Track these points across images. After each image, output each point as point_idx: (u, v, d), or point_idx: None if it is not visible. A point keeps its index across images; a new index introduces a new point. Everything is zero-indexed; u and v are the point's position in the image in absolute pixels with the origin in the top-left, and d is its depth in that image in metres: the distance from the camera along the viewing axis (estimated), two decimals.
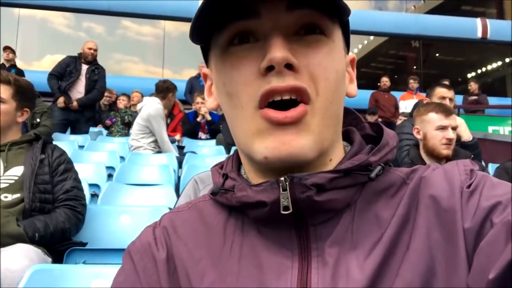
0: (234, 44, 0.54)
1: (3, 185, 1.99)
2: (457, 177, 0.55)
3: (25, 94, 2.25)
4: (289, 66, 0.51)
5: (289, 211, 0.52)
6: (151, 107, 4.48)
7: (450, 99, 3.14)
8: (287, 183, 0.53)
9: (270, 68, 0.51)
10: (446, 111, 2.41)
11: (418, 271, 0.49)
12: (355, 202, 0.56)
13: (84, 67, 5.83)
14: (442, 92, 3.16)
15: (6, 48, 6.89)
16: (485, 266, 0.45)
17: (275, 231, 0.56)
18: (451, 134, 2.36)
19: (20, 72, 6.59)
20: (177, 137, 5.79)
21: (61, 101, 5.67)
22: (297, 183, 0.52)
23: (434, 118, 2.40)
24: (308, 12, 0.52)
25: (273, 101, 0.52)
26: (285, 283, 0.52)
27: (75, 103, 5.77)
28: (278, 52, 0.50)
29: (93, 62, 5.88)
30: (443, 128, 2.38)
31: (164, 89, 4.69)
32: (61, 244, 2.05)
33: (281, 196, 0.53)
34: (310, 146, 0.52)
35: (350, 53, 0.64)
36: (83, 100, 5.83)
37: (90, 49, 5.83)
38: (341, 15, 0.56)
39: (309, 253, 0.54)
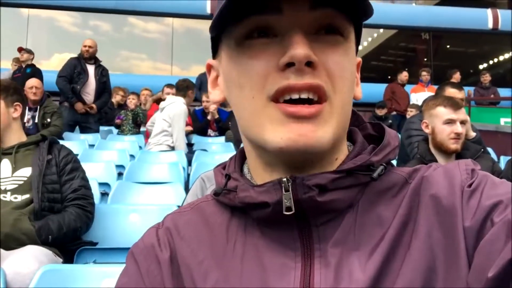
0: (251, 37, 0.53)
1: (12, 186, 2.03)
2: (458, 176, 0.54)
3: (9, 90, 2.26)
4: (309, 64, 0.50)
5: (292, 212, 0.53)
6: (178, 107, 4.68)
7: (461, 99, 3.10)
8: (290, 184, 0.53)
9: (289, 65, 0.51)
10: (454, 105, 2.38)
11: (419, 270, 0.50)
12: (358, 202, 0.56)
13: (90, 68, 5.88)
14: (452, 93, 3.12)
15: (20, 49, 6.94)
16: (484, 264, 0.45)
17: (278, 231, 0.56)
18: (459, 128, 2.33)
19: (37, 71, 6.59)
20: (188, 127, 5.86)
21: (80, 107, 5.73)
22: (299, 183, 0.52)
23: (442, 112, 2.37)
24: (329, 12, 0.52)
25: (289, 99, 0.52)
26: (288, 283, 0.52)
27: (94, 107, 5.82)
28: (300, 49, 0.49)
29: (92, 60, 5.92)
30: (451, 122, 2.35)
31: (184, 87, 4.92)
32: (72, 243, 2.08)
33: (284, 197, 0.53)
34: (326, 139, 0.52)
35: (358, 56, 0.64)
36: (100, 104, 5.96)
37: (85, 46, 5.91)
38: (363, 16, 0.56)
39: (311, 254, 0.54)
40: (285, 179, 0.53)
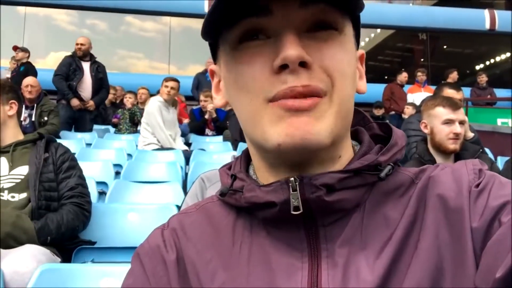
0: (244, 41, 0.53)
1: (9, 185, 2.03)
2: (465, 176, 0.54)
3: (4, 88, 2.27)
4: (303, 64, 0.50)
5: (300, 212, 0.52)
6: (149, 106, 4.83)
7: (459, 100, 3.11)
8: (297, 183, 0.52)
9: (283, 66, 0.50)
10: (453, 105, 2.38)
11: (427, 271, 0.49)
12: (365, 202, 0.56)
13: (85, 65, 5.87)
14: (450, 93, 3.12)
15: (15, 48, 6.91)
16: (492, 265, 0.45)
17: (284, 231, 0.56)
18: (458, 129, 2.33)
19: (30, 69, 6.58)
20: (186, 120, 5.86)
21: (76, 103, 5.71)
22: (307, 183, 0.52)
23: (441, 112, 2.37)
24: (320, 8, 0.51)
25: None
26: (295, 284, 0.52)
27: (91, 103, 5.81)
28: (292, 50, 0.49)
29: (87, 57, 5.90)
30: (450, 122, 2.35)
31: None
32: (70, 242, 2.07)
33: (291, 196, 0.52)
34: (325, 133, 0.51)
35: (360, 49, 0.63)
36: (97, 100, 5.95)
37: (77, 44, 5.89)
38: (354, 9, 0.55)
39: (319, 254, 0.53)
40: (292, 179, 0.53)
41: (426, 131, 2.46)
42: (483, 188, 0.52)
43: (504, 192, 0.50)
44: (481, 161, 0.57)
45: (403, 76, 8.28)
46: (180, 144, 4.96)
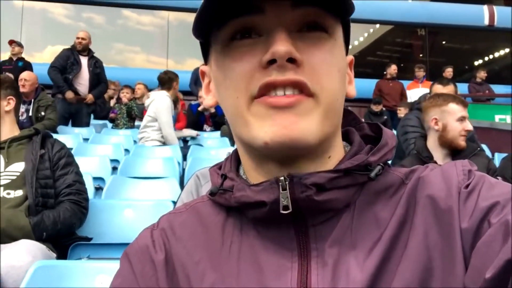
0: (236, 39, 0.53)
1: (5, 182, 2.01)
2: (454, 177, 0.54)
3: (3, 83, 2.27)
4: (292, 61, 0.50)
5: (289, 211, 0.52)
6: (160, 101, 4.63)
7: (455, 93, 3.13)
8: (287, 182, 0.52)
9: (272, 62, 0.50)
10: (463, 102, 2.42)
11: (416, 271, 0.50)
12: (355, 202, 0.56)
13: (83, 59, 5.85)
14: (437, 89, 3.15)
15: (11, 42, 6.90)
16: (482, 265, 0.45)
17: (274, 231, 0.56)
18: (469, 126, 2.37)
19: (28, 65, 6.61)
20: (191, 132, 5.70)
21: (71, 96, 5.69)
22: (296, 182, 0.52)
23: (455, 109, 2.38)
24: (312, 10, 0.52)
25: (274, 95, 0.51)
26: (285, 284, 0.52)
27: (90, 96, 5.79)
28: (281, 45, 0.49)
29: (86, 52, 5.89)
30: (463, 119, 2.36)
31: (167, 80, 4.82)
32: (67, 238, 2.07)
33: (281, 196, 0.52)
34: (311, 131, 0.51)
35: (352, 47, 0.63)
36: (96, 93, 5.94)
37: (77, 38, 5.88)
38: (344, 13, 0.55)
39: (308, 254, 0.54)
40: (282, 178, 0.53)
41: (436, 127, 2.42)
42: (473, 189, 0.52)
43: (494, 193, 0.50)
44: (471, 162, 0.57)
45: (392, 69, 8.26)
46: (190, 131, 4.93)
